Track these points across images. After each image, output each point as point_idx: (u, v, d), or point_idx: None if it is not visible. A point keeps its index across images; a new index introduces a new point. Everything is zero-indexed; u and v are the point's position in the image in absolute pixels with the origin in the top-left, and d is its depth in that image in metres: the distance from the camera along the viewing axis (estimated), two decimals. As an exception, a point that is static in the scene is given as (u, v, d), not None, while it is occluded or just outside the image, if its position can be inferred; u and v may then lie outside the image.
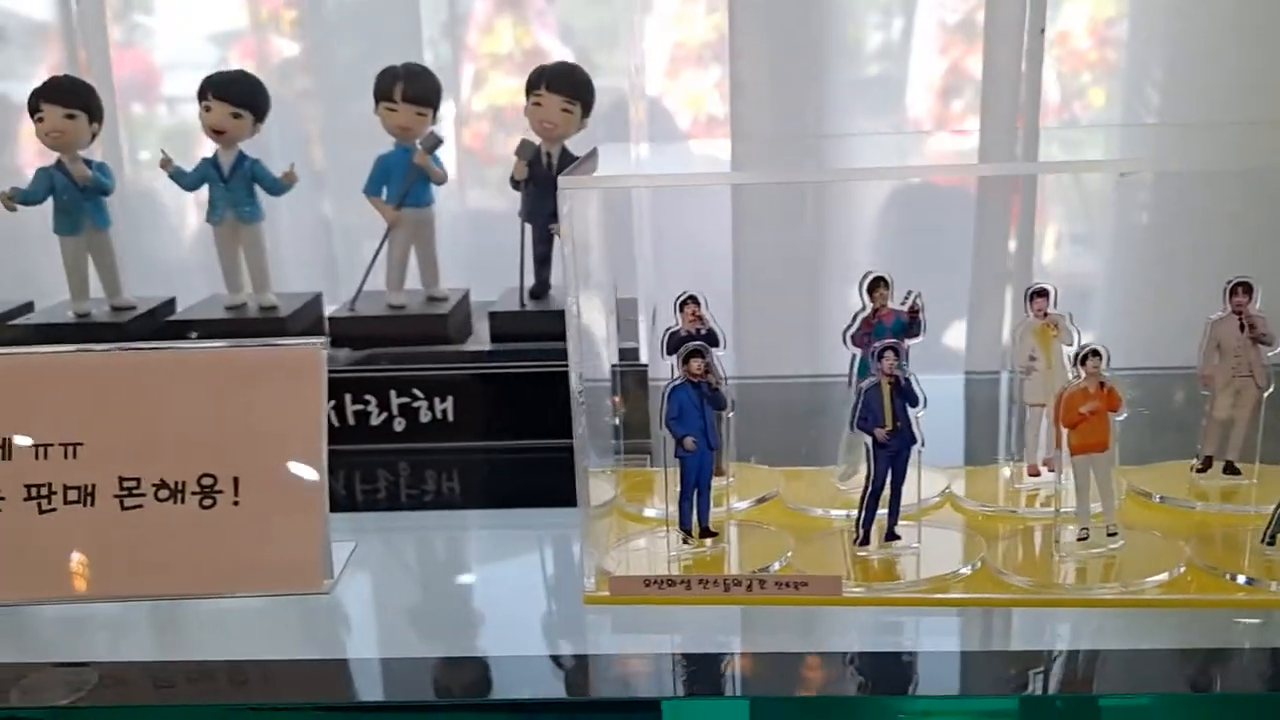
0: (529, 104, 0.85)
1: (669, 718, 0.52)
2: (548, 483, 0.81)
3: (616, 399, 0.77)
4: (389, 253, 0.90)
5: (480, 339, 0.91)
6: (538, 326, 0.88)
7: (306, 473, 0.62)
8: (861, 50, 1.07)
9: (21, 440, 0.62)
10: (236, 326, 0.90)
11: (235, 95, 0.86)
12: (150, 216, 1.22)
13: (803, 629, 0.58)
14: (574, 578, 0.64)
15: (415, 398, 0.85)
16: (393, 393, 0.84)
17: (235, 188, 0.89)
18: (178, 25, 1.19)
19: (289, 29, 1.19)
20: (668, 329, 0.71)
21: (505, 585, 0.67)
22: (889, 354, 0.59)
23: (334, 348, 0.86)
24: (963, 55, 1.05)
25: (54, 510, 0.62)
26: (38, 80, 0.87)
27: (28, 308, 0.96)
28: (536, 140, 0.86)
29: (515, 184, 0.87)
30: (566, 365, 0.86)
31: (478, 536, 0.75)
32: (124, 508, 0.62)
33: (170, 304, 0.96)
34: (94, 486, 0.62)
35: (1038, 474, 0.70)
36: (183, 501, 0.62)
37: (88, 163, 0.88)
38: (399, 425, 0.85)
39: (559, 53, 1.14)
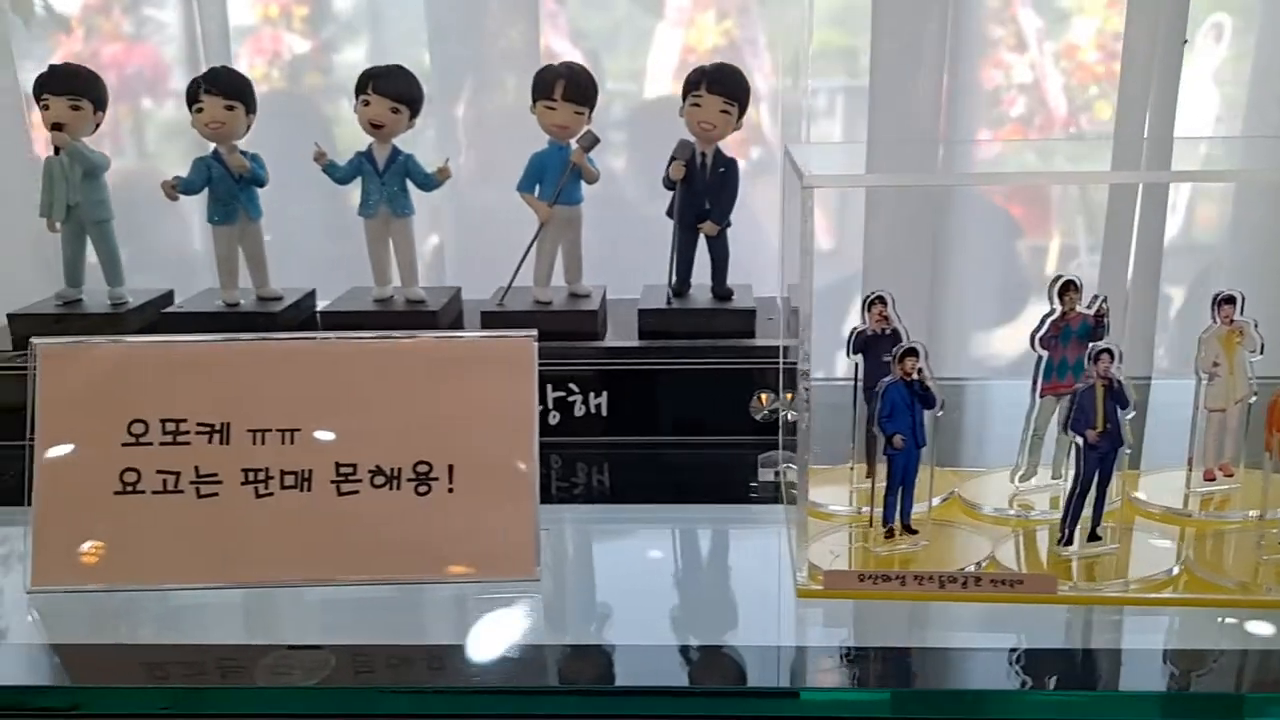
0: (686, 105, 0.86)
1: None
2: (706, 478, 0.82)
3: (790, 395, 0.78)
4: (538, 249, 0.91)
5: (621, 334, 0.92)
6: (685, 324, 0.89)
7: (519, 461, 0.64)
8: (992, 57, 1.09)
9: (240, 425, 0.63)
10: (385, 319, 0.91)
11: (394, 90, 0.87)
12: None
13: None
14: (766, 570, 0.66)
15: (571, 392, 0.86)
16: (549, 387, 0.86)
17: (390, 181, 0.89)
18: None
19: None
20: (855, 329, 0.72)
21: (698, 577, 0.68)
22: (1104, 356, 0.60)
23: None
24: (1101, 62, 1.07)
25: (270, 495, 0.63)
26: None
27: (169, 297, 0.97)
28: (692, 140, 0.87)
29: (669, 184, 0.88)
30: (717, 362, 0.88)
31: (650, 530, 0.76)
32: (340, 493, 0.63)
33: (311, 296, 0.97)
34: (311, 472, 0.63)
35: (1213, 478, 0.71)
36: (398, 488, 0.63)
37: (243, 153, 0.89)
38: (553, 419, 0.86)
39: (570, 55, 1.15)
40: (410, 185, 0.90)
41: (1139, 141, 1.02)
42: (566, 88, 0.86)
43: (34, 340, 0.62)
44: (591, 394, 0.86)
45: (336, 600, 0.63)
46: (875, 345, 0.70)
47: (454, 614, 0.63)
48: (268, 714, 0.54)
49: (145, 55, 1.20)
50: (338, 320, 0.90)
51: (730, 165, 0.88)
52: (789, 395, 0.78)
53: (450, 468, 0.63)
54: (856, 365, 0.72)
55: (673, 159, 0.87)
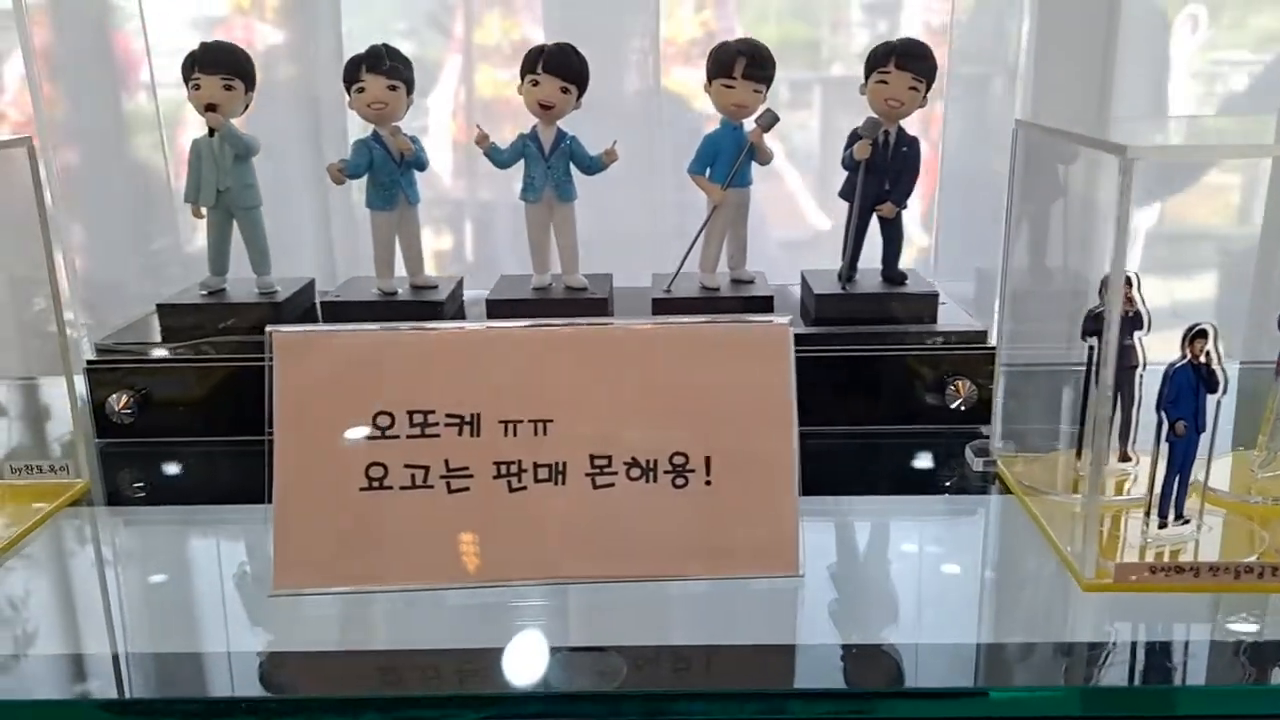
0: (871, 82, 0.83)
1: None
2: (887, 466, 0.80)
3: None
4: (708, 234, 0.88)
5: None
6: (857, 310, 0.87)
7: (778, 452, 0.61)
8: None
9: (490, 416, 0.59)
10: (546, 309, 0.87)
11: (564, 68, 0.84)
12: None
13: None
14: (1029, 561, 0.63)
15: (754, 381, 0.83)
16: (731, 376, 0.83)
17: (555, 165, 0.86)
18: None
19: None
20: (1091, 309, 0.70)
21: (959, 572, 0.65)
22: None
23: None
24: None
25: (524, 489, 0.59)
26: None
27: (310, 286, 0.94)
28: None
29: (849, 165, 0.86)
30: (891, 349, 0.86)
31: (878, 523, 0.73)
32: (595, 486, 0.60)
33: (460, 285, 0.93)
34: (565, 465, 0.60)
35: None
36: (655, 481, 0.60)
37: (405, 136, 0.86)
38: (736, 409, 0.83)
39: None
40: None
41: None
42: (747, 66, 0.83)
43: (270, 329, 0.59)
44: (775, 382, 0.83)
45: (596, 598, 0.60)
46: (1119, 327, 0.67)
47: (716, 611, 0.60)
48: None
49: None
50: (506, 310, 0.87)
51: (913, 145, 0.86)
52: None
53: (707, 459, 0.60)
54: (1091, 349, 0.70)
55: (857, 138, 0.84)
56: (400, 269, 0.90)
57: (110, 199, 1.00)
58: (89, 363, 0.82)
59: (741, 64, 0.83)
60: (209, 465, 0.80)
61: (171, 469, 0.80)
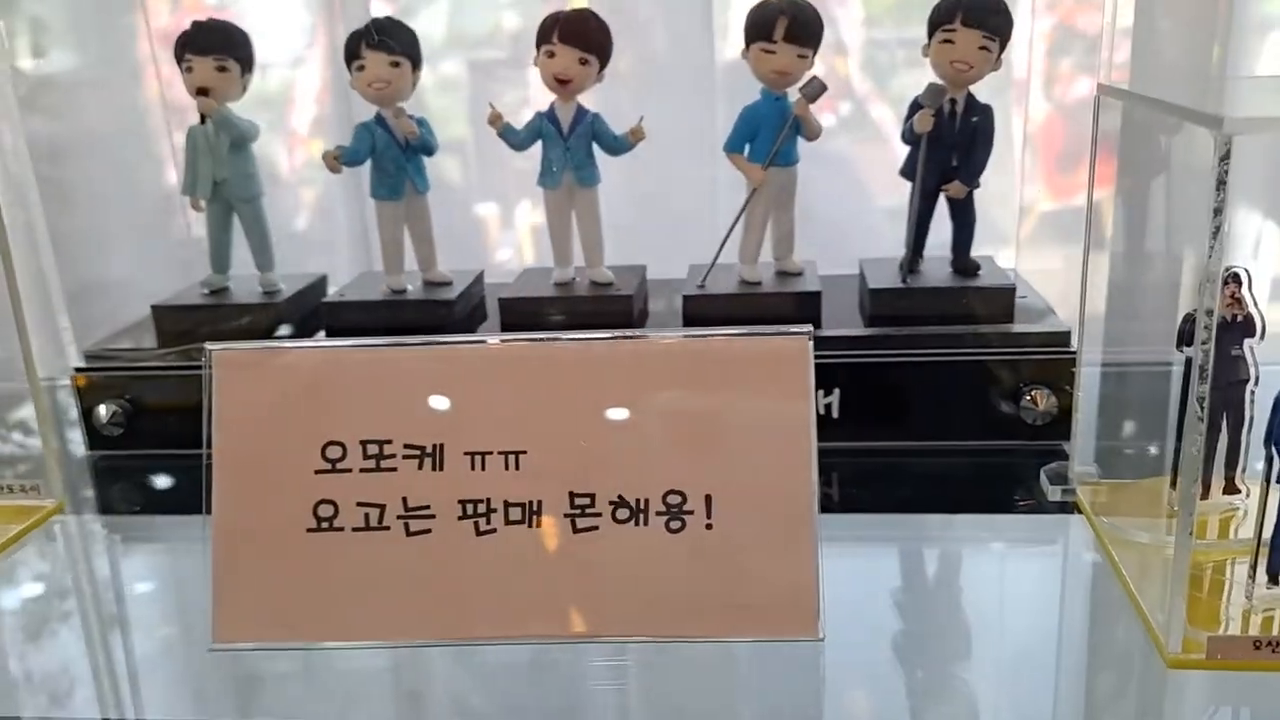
0: (934, 42, 0.72)
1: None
2: (945, 493, 0.69)
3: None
4: (747, 219, 0.78)
5: (843, 320, 0.78)
6: (928, 307, 0.75)
7: (793, 490, 0.51)
8: None
9: (455, 447, 0.51)
10: (568, 305, 0.79)
11: (582, 37, 0.75)
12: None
13: None
14: (1103, 623, 0.52)
15: (796, 390, 0.73)
16: (770, 384, 0.73)
17: (575, 146, 0.77)
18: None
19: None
20: (1188, 313, 0.58)
21: (1014, 631, 0.55)
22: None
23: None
24: None
25: (493, 531, 0.51)
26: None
27: (322, 283, 0.87)
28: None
29: (909, 138, 0.74)
30: (956, 353, 0.75)
31: (923, 554, 0.63)
32: (575, 529, 0.51)
33: (480, 280, 0.86)
34: (540, 504, 0.51)
35: None
36: (645, 523, 0.51)
37: (411, 117, 0.78)
38: (776, 421, 0.73)
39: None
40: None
41: None
42: (789, 27, 0.73)
43: (208, 346, 0.52)
44: (820, 392, 0.73)
45: (571, 662, 0.51)
46: (1224, 334, 0.55)
47: (717, 683, 0.51)
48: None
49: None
50: (521, 307, 0.78)
51: (985, 114, 0.74)
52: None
53: (708, 498, 0.51)
54: (1189, 360, 0.57)
55: (918, 107, 0.73)
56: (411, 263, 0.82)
57: (111, 190, 0.95)
58: (76, 369, 0.77)
59: (783, 25, 0.73)
60: (199, 479, 0.74)
61: (160, 485, 0.74)
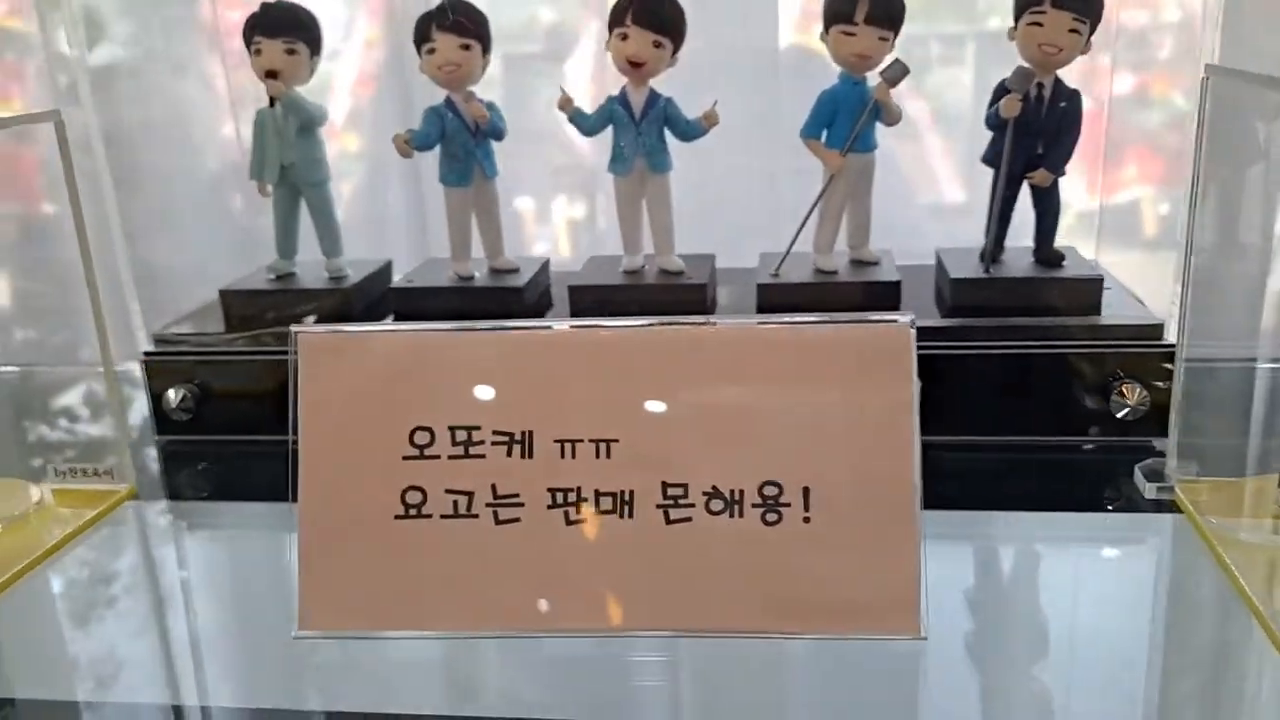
0: (1022, 24, 0.69)
1: None
2: (1034, 492, 0.66)
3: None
4: (824, 206, 0.76)
5: (919, 311, 0.76)
6: (1001, 297, 0.73)
7: (895, 482, 0.49)
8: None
9: (545, 434, 0.50)
10: (635, 295, 0.77)
11: (657, 19, 0.73)
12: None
13: None
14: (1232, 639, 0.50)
15: (875, 381, 0.71)
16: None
17: (647, 132, 0.75)
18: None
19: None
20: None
21: (1090, 634, 0.52)
22: None
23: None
24: None
25: (582, 521, 0.50)
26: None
27: (388, 269, 0.86)
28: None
29: (994, 123, 0.72)
30: (1042, 345, 0.72)
31: (1019, 555, 0.61)
32: (668, 521, 0.50)
33: (545, 267, 0.84)
34: (631, 494, 0.50)
35: None
36: (740, 515, 0.49)
37: (480, 102, 0.77)
38: (854, 413, 0.71)
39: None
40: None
41: None
42: (871, 9, 0.71)
43: (294, 329, 0.51)
44: (900, 383, 0.71)
45: (662, 656, 0.50)
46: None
47: (815, 682, 0.49)
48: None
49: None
50: (591, 295, 0.77)
51: (1073, 99, 0.71)
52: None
53: (805, 490, 0.49)
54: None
55: (1004, 91, 0.71)
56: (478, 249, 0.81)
57: (179, 176, 0.95)
58: (145, 354, 0.76)
59: (865, 7, 0.71)
60: (269, 465, 0.73)
61: (229, 470, 0.73)
